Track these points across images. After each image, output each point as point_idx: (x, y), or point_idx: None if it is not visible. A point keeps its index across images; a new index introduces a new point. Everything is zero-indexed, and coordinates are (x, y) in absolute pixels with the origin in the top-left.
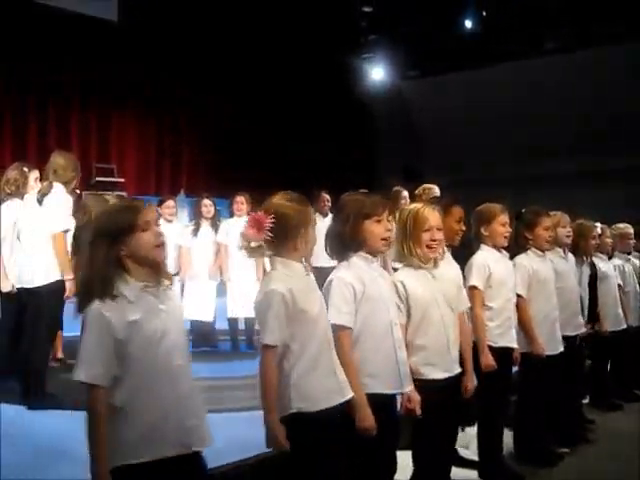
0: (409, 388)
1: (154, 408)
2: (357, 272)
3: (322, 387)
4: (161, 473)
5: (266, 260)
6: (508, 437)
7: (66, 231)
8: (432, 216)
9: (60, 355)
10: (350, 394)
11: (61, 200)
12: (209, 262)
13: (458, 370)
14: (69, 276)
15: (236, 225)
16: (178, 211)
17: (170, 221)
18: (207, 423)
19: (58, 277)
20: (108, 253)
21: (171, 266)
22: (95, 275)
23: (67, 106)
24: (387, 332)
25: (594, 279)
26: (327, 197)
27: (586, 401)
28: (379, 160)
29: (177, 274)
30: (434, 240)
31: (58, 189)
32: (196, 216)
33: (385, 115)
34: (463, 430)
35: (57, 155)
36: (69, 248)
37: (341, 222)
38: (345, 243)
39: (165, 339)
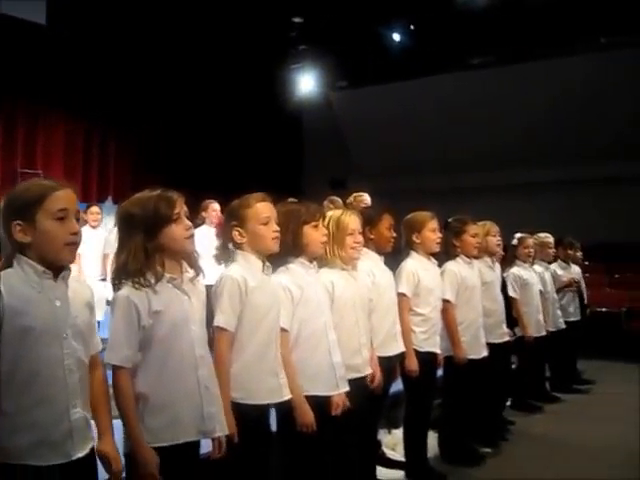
0: (345, 389)
1: (175, 395)
2: (295, 277)
3: (262, 383)
4: (178, 457)
5: None
6: (433, 438)
7: None
8: (353, 220)
9: None
10: (288, 395)
11: None
12: None
13: (369, 371)
14: None
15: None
16: (105, 218)
17: (94, 227)
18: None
19: None
20: (143, 243)
21: (97, 273)
22: (129, 263)
23: None
24: (323, 335)
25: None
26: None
27: (508, 403)
28: (307, 170)
29: (104, 280)
30: (357, 243)
31: None
32: None
33: (314, 125)
34: (390, 432)
35: None
36: None
37: (280, 229)
38: (286, 249)
39: (187, 329)
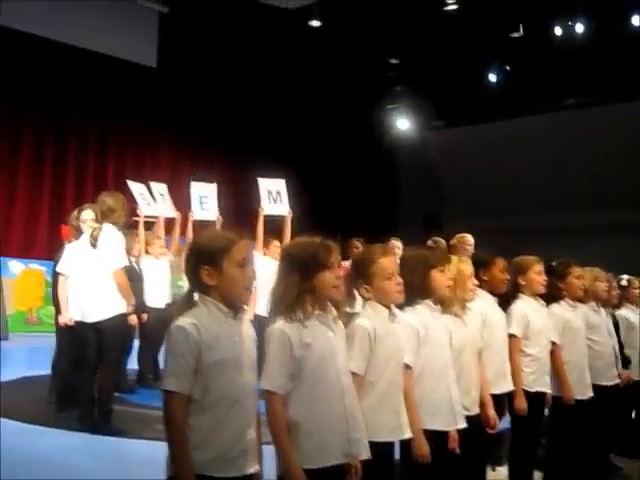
0: (462, 425)
1: (324, 421)
2: (421, 317)
3: (385, 422)
4: (325, 478)
5: None
6: (538, 478)
7: (125, 267)
8: (470, 266)
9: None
10: (409, 434)
11: (114, 239)
12: None
13: (477, 411)
14: (132, 303)
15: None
16: None
17: None
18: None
19: (121, 310)
20: (299, 283)
21: None
22: (283, 298)
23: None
24: (444, 373)
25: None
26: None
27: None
28: (401, 208)
29: None
30: (475, 285)
31: (108, 229)
32: None
33: (409, 164)
34: (494, 470)
35: (106, 196)
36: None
37: (409, 273)
38: (414, 291)
39: (333, 360)
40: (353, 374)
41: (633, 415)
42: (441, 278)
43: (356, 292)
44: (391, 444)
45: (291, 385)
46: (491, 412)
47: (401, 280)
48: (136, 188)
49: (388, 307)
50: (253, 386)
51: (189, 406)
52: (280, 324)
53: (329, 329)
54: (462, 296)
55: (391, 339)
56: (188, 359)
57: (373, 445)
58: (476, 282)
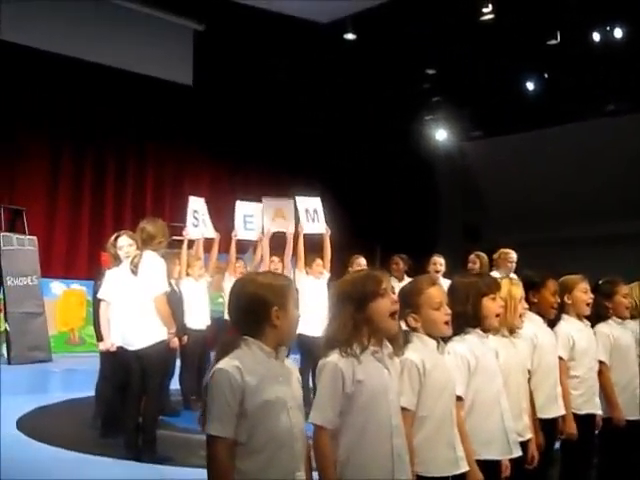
0: (518, 454)
1: (371, 459)
2: (471, 346)
3: (441, 456)
4: None
5: None
6: None
7: (165, 292)
8: (521, 290)
9: None
10: (466, 467)
11: (154, 266)
12: None
13: (529, 435)
14: (173, 331)
15: None
16: None
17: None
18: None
19: (162, 337)
20: (353, 316)
21: None
22: (338, 333)
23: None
24: (496, 402)
25: None
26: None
27: None
28: (441, 219)
29: None
30: (524, 310)
31: (149, 256)
32: None
33: (447, 175)
34: None
35: (147, 223)
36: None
37: (460, 301)
38: (465, 320)
39: (385, 399)
40: (404, 409)
41: None
42: (492, 306)
43: (403, 323)
44: (447, 479)
45: (340, 421)
46: (533, 449)
47: (449, 311)
48: (194, 204)
49: (436, 339)
50: (301, 427)
51: (235, 450)
52: (334, 358)
53: (383, 366)
54: (511, 321)
55: (440, 371)
56: (231, 403)
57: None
58: (526, 306)
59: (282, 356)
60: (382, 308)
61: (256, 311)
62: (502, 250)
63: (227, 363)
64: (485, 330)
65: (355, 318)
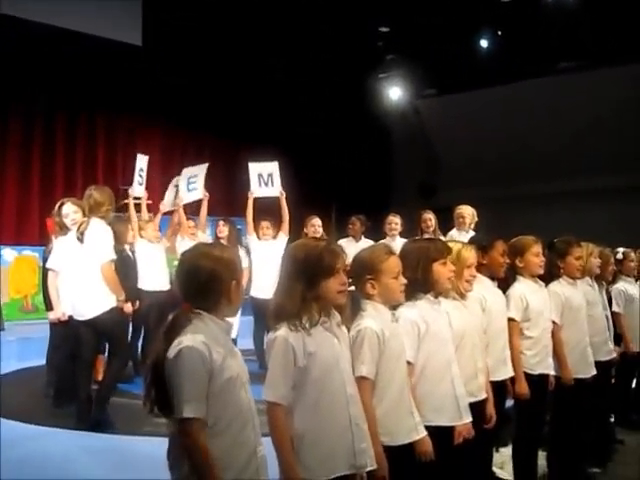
0: (468, 420)
1: (329, 432)
2: (422, 312)
3: (402, 424)
4: None
5: None
6: (542, 458)
7: (112, 260)
8: (473, 255)
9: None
10: (424, 432)
11: (101, 233)
12: None
13: (484, 396)
14: (122, 298)
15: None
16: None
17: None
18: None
19: (112, 304)
20: (302, 292)
21: None
22: (288, 305)
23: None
24: (447, 368)
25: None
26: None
27: (612, 420)
28: (395, 177)
29: None
30: (473, 276)
31: (96, 223)
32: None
33: (401, 133)
34: (498, 451)
35: (94, 190)
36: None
37: (410, 267)
38: (416, 286)
39: (338, 369)
40: (364, 378)
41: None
42: (443, 271)
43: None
44: (411, 446)
45: (294, 395)
46: (490, 408)
47: (405, 280)
48: (140, 162)
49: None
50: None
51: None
52: (283, 332)
53: (333, 336)
54: (457, 285)
55: (396, 340)
56: (204, 382)
57: (394, 450)
58: (474, 273)
59: (230, 330)
60: (333, 287)
61: (214, 287)
62: (458, 207)
63: (193, 340)
64: (437, 295)
65: (305, 294)
